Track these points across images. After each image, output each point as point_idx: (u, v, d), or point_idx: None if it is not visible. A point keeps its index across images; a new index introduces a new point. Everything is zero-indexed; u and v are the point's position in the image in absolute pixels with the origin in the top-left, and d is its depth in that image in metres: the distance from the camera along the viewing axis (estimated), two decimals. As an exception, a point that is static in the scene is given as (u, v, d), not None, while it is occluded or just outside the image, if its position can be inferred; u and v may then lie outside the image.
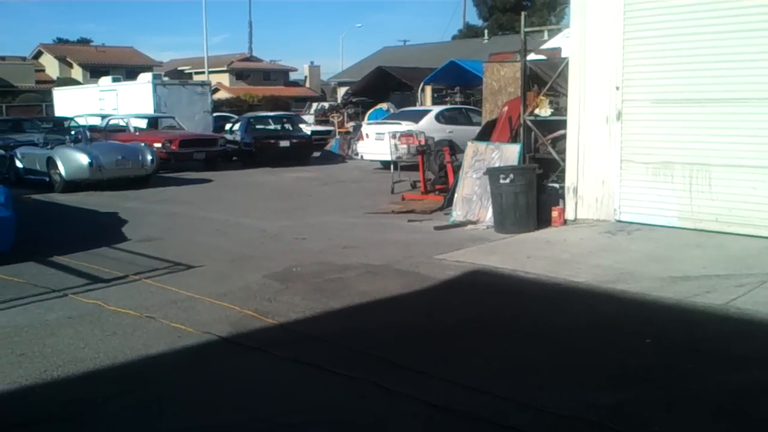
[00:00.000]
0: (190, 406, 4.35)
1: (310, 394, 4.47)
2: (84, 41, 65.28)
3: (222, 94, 50.74)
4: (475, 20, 58.85)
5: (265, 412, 4.23)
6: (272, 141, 21.01)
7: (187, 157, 19.50)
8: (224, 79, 57.70)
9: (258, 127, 22.52)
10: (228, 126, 23.76)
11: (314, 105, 37.09)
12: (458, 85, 25.44)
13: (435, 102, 25.24)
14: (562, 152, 10.20)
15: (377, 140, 18.17)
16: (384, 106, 26.76)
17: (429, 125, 17.75)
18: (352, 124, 28.07)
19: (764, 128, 8.11)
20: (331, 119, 30.27)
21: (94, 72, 49.65)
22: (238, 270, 7.68)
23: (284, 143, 20.96)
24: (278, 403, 4.34)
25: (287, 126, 22.95)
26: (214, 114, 28.84)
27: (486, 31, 49.78)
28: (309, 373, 4.77)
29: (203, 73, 41.37)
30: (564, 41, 13.86)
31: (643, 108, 9.16)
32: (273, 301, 6.43)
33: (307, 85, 62.22)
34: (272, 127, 23.13)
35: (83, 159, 14.69)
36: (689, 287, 6.41)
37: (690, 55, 8.66)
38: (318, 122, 30.87)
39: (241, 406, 4.30)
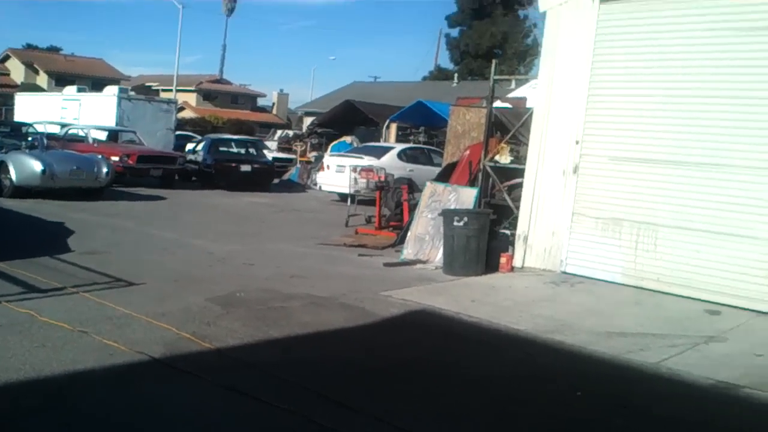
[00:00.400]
0: (112, 427, 4.24)
1: (242, 424, 4.40)
2: (53, 49, 64.53)
3: (187, 113, 50.40)
4: (447, 63, 59.76)
5: (189, 438, 4.14)
6: (233, 164, 20.80)
7: (144, 173, 19.29)
8: (191, 98, 57.38)
9: (221, 149, 22.25)
10: (191, 145, 23.59)
11: (278, 132, 37.12)
12: (423, 125, 25.73)
13: (399, 139, 25.47)
14: (517, 200, 10.36)
15: (338, 172, 18.22)
16: (348, 139, 26.89)
17: (390, 162, 17.89)
18: (314, 154, 28.14)
19: (712, 193, 8.35)
20: (293, 147, 30.30)
21: (60, 80, 48.96)
22: (181, 291, 7.56)
23: (245, 167, 20.77)
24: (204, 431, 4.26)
25: (250, 150, 22.76)
26: (177, 132, 28.64)
27: (456, 75, 50.55)
28: (242, 402, 4.70)
29: (171, 90, 41.23)
30: (530, 92, 14.19)
31: (599, 164, 9.36)
32: (212, 325, 6.33)
33: (275, 111, 62.20)
34: (235, 150, 22.87)
35: (36, 166, 14.41)
36: (624, 344, 6.50)
37: (647, 116, 8.92)
38: (281, 149, 30.84)
39: (164, 431, 4.21)
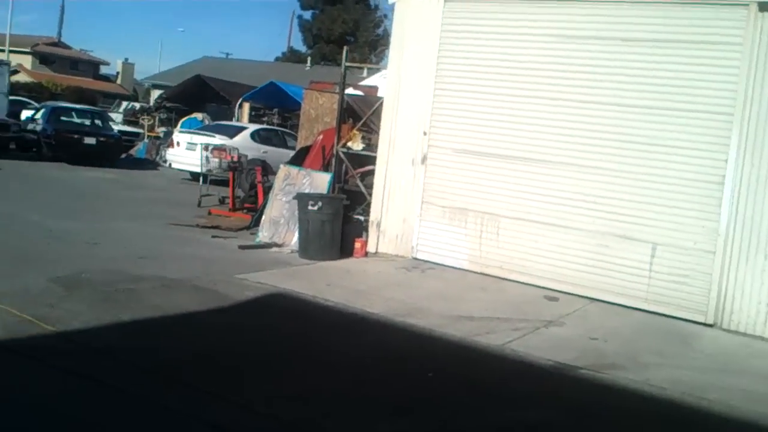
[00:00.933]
0: (-53, 415, 3.97)
1: (85, 409, 4.25)
2: None
3: (21, 77, 46.75)
4: (300, 46, 59.38)
5: (31, 426, 3.95)
6: (76, 135, 19.43)
7: (-28, 141, 17.79)
8: (26, 61, 53.24)
9: (63, 118, 20.66)
10: (29, 113, 21.95)
11: (124, 104, 35.42)
12: (277, 106, 25.49)
13: (252, 120, 25.07)
14: (369, 186, 10.56)
15: (188, 150, 17.72)
16: (199, 116, 26.12)
17: (244, 142, 17.62)
18: (163, 129, 27.13)
19: (545, 188, 8.90)
20: (141, 121, 29.03)
21: None
22: (19, 270, 7.11)
23: (89, 140, 19.51)
24: (47, 417, 4.07)
25: (96, 121, 21.34)
26: (11, 97, 26.57)
27: (309, 59, 50.44)
28: (87, 386, 4.54)
29: (2, 51, 38.11)
30: (381, 81, 14.45)
31: (445, 155, 9.73)
32: (55, 307, 6.03)
33: (119, 81, 59.16)
34: (79, 120, 21.33)
35: None
36: (472, 327, 6.87)
37: (487, 113, 9.33)
38: (126, 122, 29.46)
39: (3, 416, 3.99)
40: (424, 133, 9.84)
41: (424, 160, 9.84)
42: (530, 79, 9.06)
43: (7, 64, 27.55)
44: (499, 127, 9.27)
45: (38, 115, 20.76)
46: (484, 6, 9.52)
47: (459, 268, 9.38)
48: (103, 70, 61.02)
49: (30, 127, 19.74)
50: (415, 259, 9.78)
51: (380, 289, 8.06)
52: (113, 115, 30.51)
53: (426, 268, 9.42)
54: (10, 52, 38.23)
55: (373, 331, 6.54)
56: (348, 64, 11.57)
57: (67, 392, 4.43)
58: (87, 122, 21.17)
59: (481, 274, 9.22)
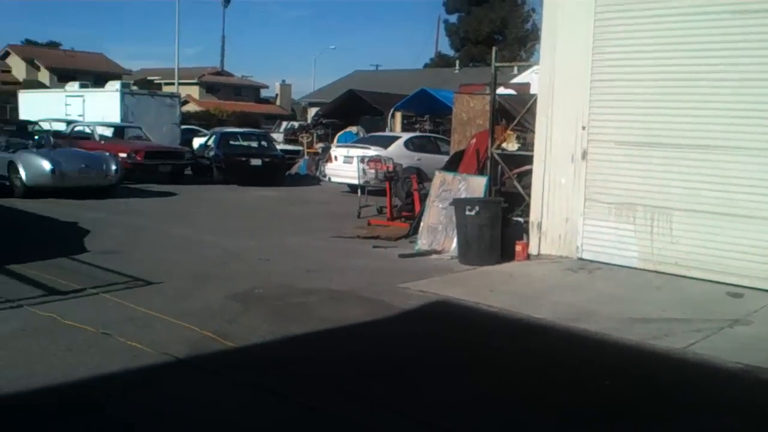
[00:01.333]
0: (144, 430, 4.25)
1: (266, 422, 4.41)
2: (53, 44, 64.50)
3: (191, 107, 50.39)
4: (448, 50, 59.55)
5: (221, 439, 4.15)
6: (243, 158, 20.30)
7: (153, 169, 19.25)
8: (194, 91, 57.34)
9: (231, 143, 21.59)
10: (200, 140, 23.40)
11: (284, 124, 37.06)
12: (428, 113, 25.64)
13: (405, 128, 25.39)
14: (527, 187, 10.32)
15: (345, 163, 18.18)
16: (354, 129, 26.83)
17: (398, 151, 17.84)
18: (321, 145, 28.07)
19: (727, 175, 8.27)
20: (300, 139, 30.25)
21: (62, 76, 48.98)
22: (199, 289, 7.58)
23: (255, 161, 20.30)
24: (232, 431, 4.27)
25: (262, 143, 22.15)
26: (183, 126, 28.65)
27: (457, 62, 50.41)
28: (266, 399, 4.71)
29: (173, 84, 41.11)
30: (534, 77, 14.11)
31: (608, 149, 9.31)
32: (233, 323, 6.35)
33: (278, 103, 62.17)
34: (245, 143, 22.22)
35: (45, 165, 14.43)
36: (649, 329, 6.49)
37: (656, 100, 8.84)
38: (287, 141, 30.80)
39: None
40: (583, 128, 9.47)
41: (584, 155, 9.47)
42: (698, 60, 8.46)
43: (178, 96, 29.79)
44: (666, 114, 8.74)
45: (210, 141, 22.04)
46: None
47: (629, 267, 8.93)
48: (263, 93, 64.46)
49: (204, 153, 20.98)
50: (581, 259, 9.42)
51: (546, 293, 7.83)
52: (275, 135, 32.04)
53: (593, 268, 9.04)
54: (180, 84, 41.15)
55: (541, 338, 6.35)
56: (498, 64, 11.39)
57: (253, 407, 4.61)
58: (253, 145, 22.03)
59: (654, 272, 8.72)
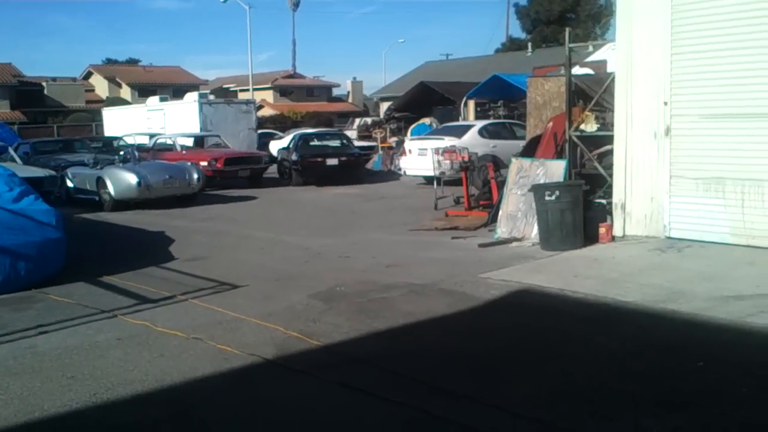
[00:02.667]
0: (239, 431, 4.35)
1: (356, 419, 4.44)
2: (132, 61, 66.98)
3: (266, 111, 51.39)
4: (519, 33, 58.74)
5: (311, 437, 4.21)
6: (319, 159, 20.21)
7: (233, 175, 19.74)
8: (268, 96, 58.47)
9: (308, 144, 21.27)
10: (277, 143, 23.55)
11: (357, 120, 37.33)
12: (501, 98, 25.31)
13: (478, 116, 25.16)
14: (608, 168, 10.04)
15: (420, 156, 18.14)
16: (427, 121, 26.77)
17: (472, 140, 17.67)
18: (395, 139, 28.15)
19: (820, 142, 7.86)
20: (373, 135, 30.39)
21: (142, 91, 50.86)
22: (283, 289, 7.71)
23: (332, 161, 20.16)
24: (324, 429, 4.32)
25: (337, 143, 21.94)
26: (259, 131, 29.25)
27: (529, 44, 49.58)
28: (354, 397, 4.75)
29: (248, 90, 42.05)
30: (610, 53, 13.73)
31: (692, 123, 8.97)
32: (317, 321, 6.42)
33: (350, 100, 62.66)
34: (321, 144, 21.85)
35: (132, 179, 14.97)
36: (743, 307, 6.21)
37: (741, 69, 8.46)
38: (361, 137, 31.01)
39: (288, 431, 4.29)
40: (665, 103, 9.14)
41: (667, 131, 9.15)
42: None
43: (253, 102, 30.43)
44: (753, 84, 8.36)
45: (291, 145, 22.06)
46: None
47: (720, 243, 8.58)
48: (335, 92, 65.08)
49: (286, 156, 21.09)
50: (669, 238, 9.10)
51: (633, 275, 7.59)
52: (348, 133, 32.32)
53: (682, 246, 8.72)
54: (254, 90, 42.03)
55: (630, 321, 6.16)
56: (572, 44, 11.10)
57: (342, 406, 4.66)
58: (330, 144, 21.81)
59: (747, 246, 8.36)
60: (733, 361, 5.11)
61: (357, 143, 27.16)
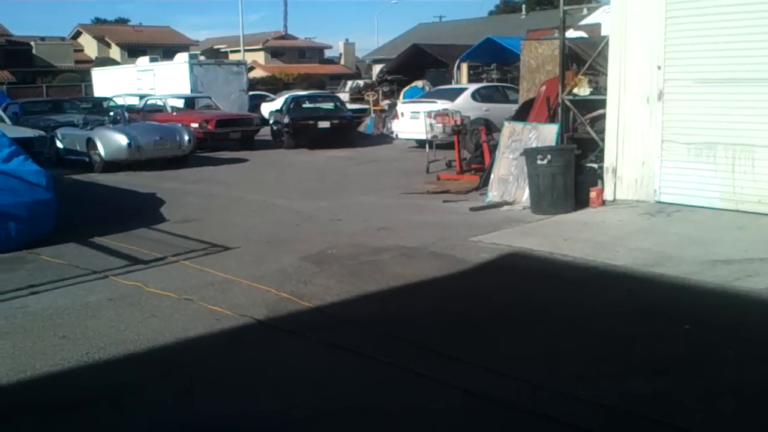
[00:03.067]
0: (229, 390, 4.39)
1: (347, 379, 4.49)
2: (121, 21, 65.99)
3: (257, 73, 50.91)
4: (514, -6, 58.01)
5: (303, 397, 4.25)
6: (310, 122, 19.87)
7: (224, 137, 19.61)
8: (260, 57, 57.85)
9: (299, 106, 21.01)
10: (268, 106, 23.32)
11: (349, 83, 37.04)
12: (495, 62, 25.14)
13: (471, 79, 24.98)
14: (600, 132, 10.04)
15: (412, 119, 18.05)
16: (419, 83, 26.59)
17: (465, 104, 17.59)
18: (387, 102, 27.97)
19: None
20: (366, 97, 30.19)
21: (132, 51, 50.21)
22: (274, 252, 7.73)
23: (324, 124, 19.81)
24: (315, 389, 4.37)
25: (329, 105, 21.72)
26: (250, 93, 29.02)
27: (524, 6, 49.07)
28: (345, 358, 4.80)
29: (239, 51, 41.56)
30: (604, 17, 13.60)
31: (685, 88, 8.96)
32: (309, 283, 6.45)
33: (342, 62, 62.08)
34: (312, 106, 21.59)
35: (122, 140, 14.87)
36: (731, 271, 6.28)
37: (735, 34, 8.42)
38: (353, 100, 30.79)
39: (278, 391, 4.34)
40: (659, 67, 9.11)
41: (660, 96, 9.14)
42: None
43: (244, 63, 30.13)
44: (747, 49, 8.35)
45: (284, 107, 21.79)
46: None
47: (710, 208, 8.64)
48: (327, 53, 64.44)
49: (279, 118, 20.85)
50: (659, 203, 9.15)
51: (623, 239, 7.64)
52: (340, 95, 32.08)
53: (672, 211, 8.77)
54: (245, 51, 41.55)
55: (619, 285, 6.22)
56: (566, 7, 10.99)
57: (333, 366, 4.70)
58: (321, 107, 21.60)
59: (736, 211, 8.41)
60: (720, 325, 5.18)
61: (349, 106, 26.95)
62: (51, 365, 4.75)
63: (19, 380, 4.54)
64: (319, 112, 20.90)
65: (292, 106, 20.69)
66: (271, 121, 21.73)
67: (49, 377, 4.59)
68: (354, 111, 24.76)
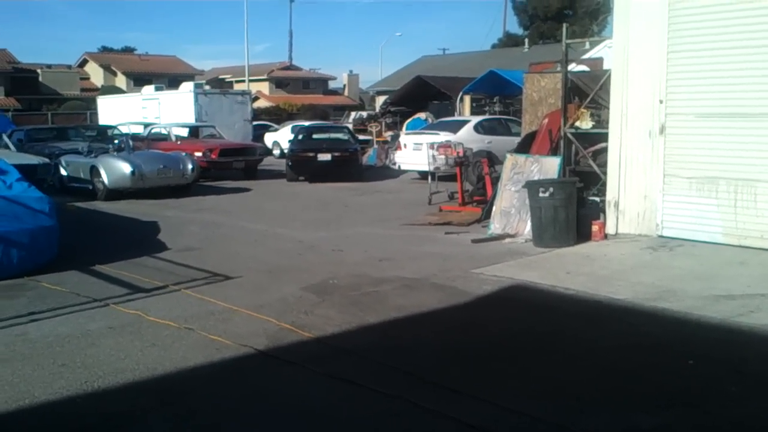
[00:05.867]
0: (228, 421, 4.36)
1: (346, 411, 4.46)
2: (128, 50, 66.67)
3: (262, 103, 51.27)
4: (516, 29, 58.66)
5: (301, 429, 4.22)
6: (311, 154, 19.13)
7: (227, 166, 19.70)
8: (264, 87, 58.31)
9: (301, 138, 20.50)
10: (271, 136, 23.36)
11: (353, 114, 37.25)
12: (497, 94, 25.29)
13: (474, 111, 25.12)
14: (603, 165, 10.08)
15: (415, 150, 18.12)
16: (422, 115, 26.72)
17: (467, 136, 17.67)
18: (390, 133, 28.09)
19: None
20: (369, 128, 30.33)
21: (138, 80, 50.65)
22: (276, 281, 7.71)
23: (324, 157, 18.92)
24: (314, 421, 4.33)
25: (333, 136, 21.13)
26: (254, 122, 29.20)
27: (526, 40, 49.57)
28: (344, 389, 4.76)
29: (244, 81, 41.90)
30: (606, 51, 13.75)
31: (687, 122, 9.01)
32: (309, 314, 6.44)
33: (346, 93, 62.54)
34: (316, 138, 20.97)
35: (126, 168, 14.93)
36: (733, 306, 6.26)
37: (737, 69, 8.50)
38: (356, 131, 30.93)
39: (277, 422, 4.31)
40: (660, 101, 9.18)
41: (662, 130, 9.19)
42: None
43: (249, 93, 30.37)
44: (748, 84, 8.41)
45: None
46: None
47: (712, 243, 8.63)
48: (331, 84, 64.96)
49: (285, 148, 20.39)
50: (661, 237, 9.15)
51: (625, 273, 7.63)
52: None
53: (674, 245, 8.77)
54: (250, 81, 41.89)
55: (621, 319, 6.20)
56: (569, 40, 11.11)
57: (333, 397, 4.67)
58: (328, 138, 20.97)
59: (739, 246, 8.41)
60: (723, 360, 5.15)
61: (353, 137, 26.91)
62: (50, 393, 4.72)
63: (18, 408, 4.51)
64: (321, 144, 20.06)
65: (295, 137, 20.64)
66: (287, 152, 20.93)
67: (48, 405, 4.56)
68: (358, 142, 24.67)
